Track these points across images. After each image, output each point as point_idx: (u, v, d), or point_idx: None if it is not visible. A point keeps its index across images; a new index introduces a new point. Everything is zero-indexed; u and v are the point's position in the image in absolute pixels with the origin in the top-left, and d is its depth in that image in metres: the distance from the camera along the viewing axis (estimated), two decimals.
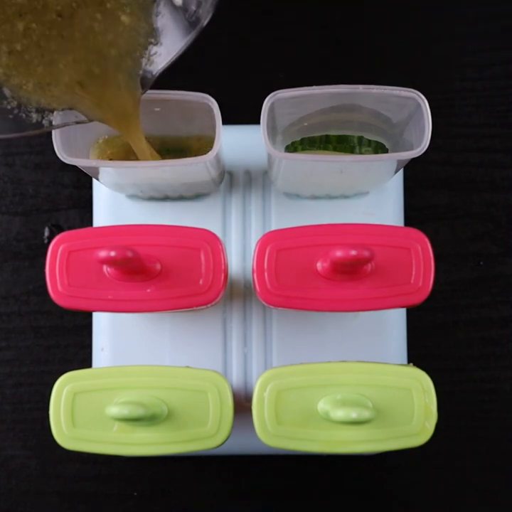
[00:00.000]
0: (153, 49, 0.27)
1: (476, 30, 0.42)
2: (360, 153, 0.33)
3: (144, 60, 0.27)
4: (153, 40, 0.27)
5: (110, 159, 0.32)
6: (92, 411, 0.28)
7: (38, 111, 0.27)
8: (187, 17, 0.26)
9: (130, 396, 0.28)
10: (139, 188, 0.35)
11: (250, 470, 0.40)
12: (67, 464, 0.40)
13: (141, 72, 0.27)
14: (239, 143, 0.38)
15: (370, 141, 0.33)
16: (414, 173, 0.41)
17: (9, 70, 0.26)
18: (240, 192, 0.38)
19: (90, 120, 0.28)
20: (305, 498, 0.40)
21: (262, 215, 0.38)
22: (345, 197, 0.37)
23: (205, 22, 0.26)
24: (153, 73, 0.27)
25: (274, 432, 0.28)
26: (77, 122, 0.28)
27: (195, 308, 0.29)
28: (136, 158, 0.30)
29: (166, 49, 0.27)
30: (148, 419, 0.27)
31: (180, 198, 0.37)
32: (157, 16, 0.27)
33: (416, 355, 0.39)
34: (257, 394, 0.28)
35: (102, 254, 0.25)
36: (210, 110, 0.29)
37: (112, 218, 0.38)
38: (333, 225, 0.29)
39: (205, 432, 0.28)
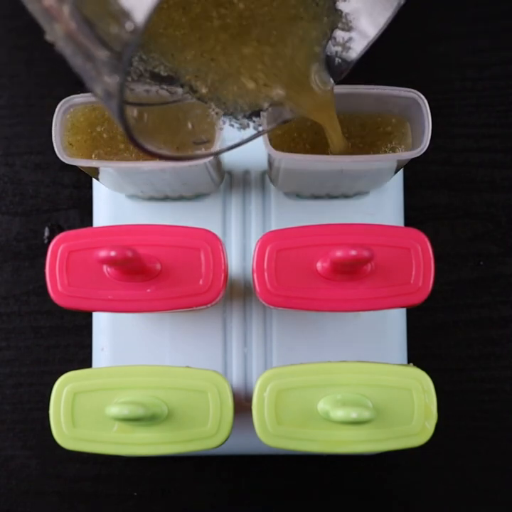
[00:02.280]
0: (347, 35, 0.26)
1: (476, 30, 0.42)
2: None
3: (338, 48, 0.26)
4: (345, 27, 0.26)
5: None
6: (92, 411, 0.28)
7: (244, 117, 0.26)
8: None
9: (130, 396, 0.28)
10: (139, 188, 0.35)
11: (250, 470, 0.40)
12: (67, 464, 0.40)
13: (337, 61, 0.26)
14: None
15: None
16: (414, 173, 0.41)
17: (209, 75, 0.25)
18: (240, 192, 0.38)
19: (295, 117, 0.27)
20: (305, 498, 0.40)
21: (262, 215, 0.38)
22: (346, 197, 0.37)
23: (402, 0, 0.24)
24: (349, 60, 0.26)
25: (274, 432, 0.28)
26: (284, 121, 0.27)
27: (195, 308, 0.29)
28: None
29: (359, 34, 0.26)
30: (148, 419, 0.27)
31: (180, 198, 0.37)
32: (344, 1, 0.25)
33: (416, 355, 0.39)
34: (257, 394, 0.28)
35: (102, 254, 0.25)
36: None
37: (112, 218, 0.38)
38: (333, 225, 0.29)
39: (205, 432, 0.28)
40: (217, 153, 0.27)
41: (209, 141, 0.27)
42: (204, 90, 0.25)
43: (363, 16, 0.26)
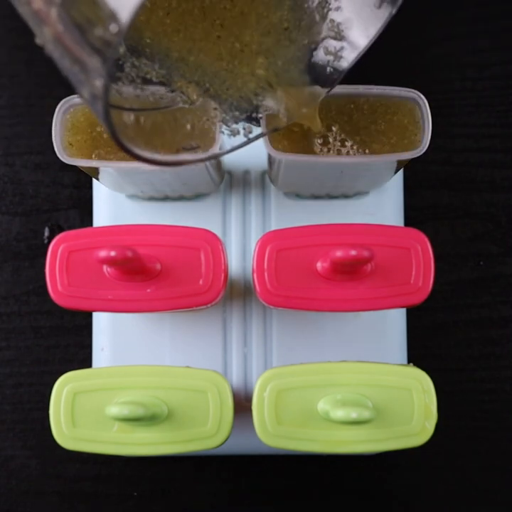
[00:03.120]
0: (338, 45, 0.26)
1: (476, 30, 0.42)
2: None
3: (329, 57, 0.26)
4: (337, 36, 0.26)
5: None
6: (92, 411, 0.28)
7: (235, 122, 0.27)
8: (374, 2, 0.24)
9: (130, 396, 0.28)
10: (139, 188, 0.35)
11: (250, 470, 0.40)
12: (67, 464, 0.40)
13: (329, 69, 0.26)
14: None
15: None
16: (414, 173, 0.41)
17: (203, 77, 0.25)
18: (240, 192, 0.38)
19: (287, 123, 0.27)
20: (305, 498, 0.40)
21: (262, 215, 0.38)
22: (346, 197, 0.37)
23: (394, 10, 0.24)
24: (340, 69, 0.26)
25: (274, 432, 0.28)
26: (274, 130, 0.27)
27: (195, 308, 0.29)
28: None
29: (351, 43, 0.26)
30: (148, 419, 0.27)
31: (180, 198, 0.37)
32: (337, 10, 0.25)
33: (416, 355, 0.39)
34: (257, 394, 0.28)
35: (102, 254, 0.25)
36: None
37: (112, 218, 0.38)
38: (333, 225, 0.29)
39: (205, 432, 0.28)
40: (211, 158, 0.27)
41: (199, 147, 0.27)
42: (195, 96, 0.25)
43: (354, 26, 0.26)
